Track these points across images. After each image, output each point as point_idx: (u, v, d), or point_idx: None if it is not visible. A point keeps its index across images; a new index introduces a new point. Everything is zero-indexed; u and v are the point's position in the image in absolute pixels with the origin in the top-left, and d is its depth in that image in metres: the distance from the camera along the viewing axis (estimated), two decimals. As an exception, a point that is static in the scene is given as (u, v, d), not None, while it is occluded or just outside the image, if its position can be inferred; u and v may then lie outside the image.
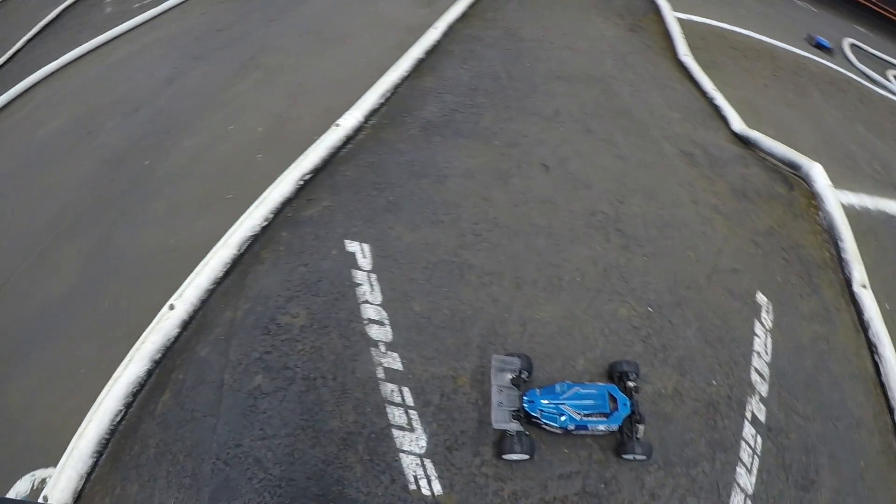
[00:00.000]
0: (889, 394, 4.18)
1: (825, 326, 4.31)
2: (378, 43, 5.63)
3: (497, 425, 2.93)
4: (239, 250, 3.46)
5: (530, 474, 2.92)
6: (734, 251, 4.42)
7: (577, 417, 2.99)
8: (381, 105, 4.71)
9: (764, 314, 4.11)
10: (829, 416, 3.80)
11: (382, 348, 2.98)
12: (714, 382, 3.58)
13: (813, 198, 5.06)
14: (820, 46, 10.81)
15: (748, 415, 3.53)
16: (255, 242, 3.53)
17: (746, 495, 3.22)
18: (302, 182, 3.88)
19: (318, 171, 4.02)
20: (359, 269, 3.44)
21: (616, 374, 3.29)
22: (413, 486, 2.58)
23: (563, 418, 2.98)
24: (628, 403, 3.12)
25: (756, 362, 3.81)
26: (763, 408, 3.60)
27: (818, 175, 5.08)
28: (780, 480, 3.36)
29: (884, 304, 4.64)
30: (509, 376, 3.06)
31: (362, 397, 2.77)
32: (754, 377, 3.72)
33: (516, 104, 5.22)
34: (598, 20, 7.30)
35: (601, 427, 3.03)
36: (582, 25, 7.08)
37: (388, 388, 2.83)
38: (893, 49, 12.83)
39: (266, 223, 3.59)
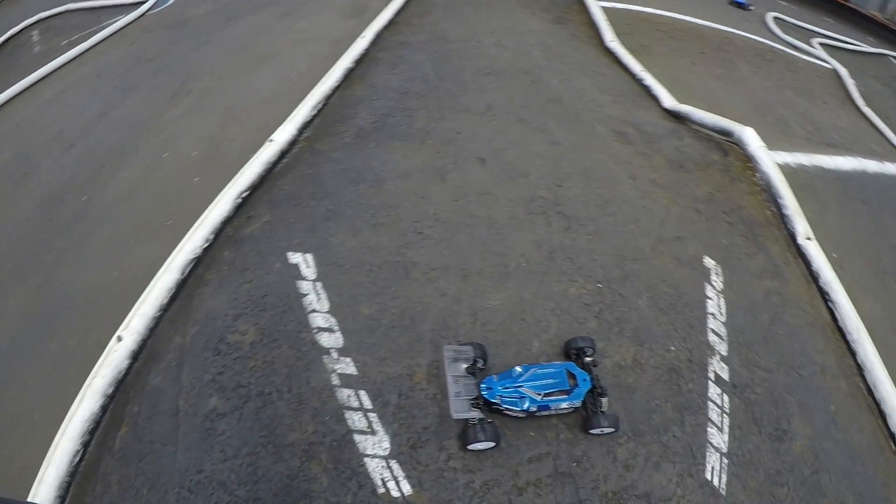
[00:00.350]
0: (847, 337, 4.18)
1: (776, 281, 4.31)
2: (307, 57, 5.59)
3: (457, 415, 2.81)
4: (182, 274, 3.36)
5: (500, 462, 2.81)
6: (676, 220, 4.40)
7: (538, 398, 2.89)
8: (314, 117, 4.68)
9: (713, 277, 4.08)
10: (792, 366, 3.76)
11: (335, 355, 2.91)
12: (672, 348, 3.52)
13: (748, 161, 5.10)
14: (737, 4, 11.16)
15: (711, 375, 3.47)
16: (199, 265, 3.43)
17: (721, 454, 3.14)
18: (240, 200, 3.80)
19: (255, 188, 3.94)
20: (303, 279, 3.35)
21: (572, 352, 3.20)
22: (382, 490, 2.51)
23: (523, 401, 2.88)
24: (588, 378, 3.03)
25: (712, 324, 3.76)
26: (725, 366, 3.54)
27: (750, 138, 5.13)
28: (754, 435, 3.30)
29: (830, 253, 4.67)
30: (464, 366, 2.96)
31: (319, 406, 2.70)
32: (712, 338, 3.67)
33: (448, 103, 5.20)
34: (524, 16, 7.37)
35: (564, 405, 2.93)
36: (509, 22, 7.14)
37: (345, 394, 2.77)
38: (816, 19, 13.38)
39: (207, 244, 3.50)
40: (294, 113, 4.48)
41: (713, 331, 3.73)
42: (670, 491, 2.92)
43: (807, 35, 11.49)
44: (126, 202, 4.31)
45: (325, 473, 2.49)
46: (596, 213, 4.26)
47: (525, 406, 2.88)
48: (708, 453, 3.12)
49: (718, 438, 3.20)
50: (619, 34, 7.28)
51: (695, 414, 3.25)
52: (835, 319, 4.28)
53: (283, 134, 4.27)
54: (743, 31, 9.57)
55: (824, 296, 4.38)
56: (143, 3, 6.95)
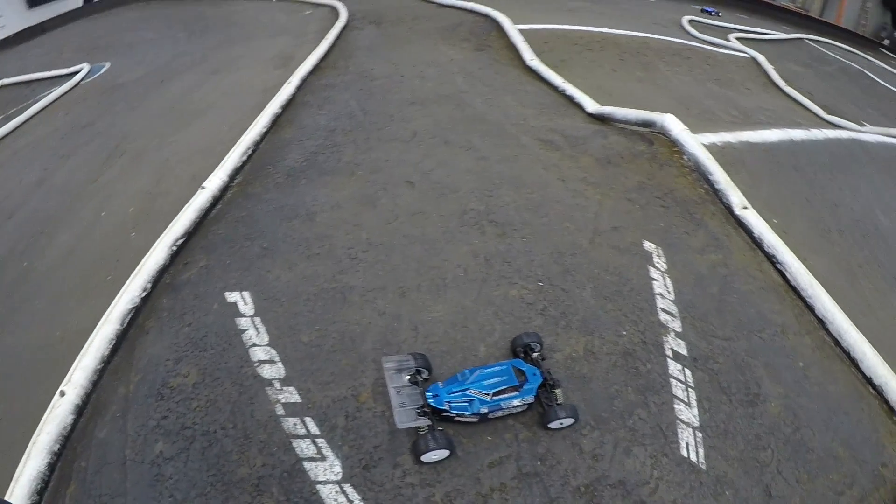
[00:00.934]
0: (802, 294, 4.08)
1: (719, 253, 4.23)
2: (237, 108, 5.63)
3: (402, 425, 2.63)
4: (122, 324, 3.22)
5: (458, 471, 2.63)
6: (610, 212, 4.33)
7: (488, 398, 2.72)
8: (245, 162, 4.65)
9: (656, 259, 3.99)
10: (752, 331, 3.64)
11: (277, 385, 2.81)
12: (624, 332, 3.37)
13: (673, 146, 5.10)
14: (707, 13, 11.60)
15: (668, 352, 3.33)
16: (138, 314, 3.30)
17: (694, 428, 2.98)
18: (175, 248, 3.70)
19: (190, 235, 3.84)
20: (242, 315, 3.24)
21: (519, 350, 3.04)
22: None
23: (473, 404, 2.71)
24: (538, 373, 2.86)
25: (661, 303, 3.64)
26: (682, 342, 3.41)
27: (672, 123, 5.15)
28: (724, 404, 3.15)
29: (771, 220, 4.62)
30: (407, 377, 2.79)
31: (266, 438, 2.57)
32: (663, 317, 3.54)
33: (374, 134, 5.21)
34: (445, 48, 7.48)
35: (516, 402, 2.75)
36: (431, 55, 7.25)
37: (291, 423, 2.70)
38: (731, 17, 13.88)
39: (145, 293, 3.39)
40: (224, 160, 4.44)
41: (663, 310, 3.60)
42: (646, 474, 2.72)
43: (723, 32, 11.86)
44: (66, 263, 4.21)
45: None
46: (529, 217, 4.17)
47: (476, 409, 2.70)
48: (679, 430, 2.95)
49: (688, 413, 3.04)
50: (539, 52, 7.40)
51: (658, 393, 3.10)
52: (786, 280, 4.19)
53: (215, 181, 4.22)
54: (660, 35, 9.83)
55: (771, 259, 4.30)
56: (77, 73, 6.90)
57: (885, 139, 7.64)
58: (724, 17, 13.63)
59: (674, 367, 3.24)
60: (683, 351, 3.36)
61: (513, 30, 7.86)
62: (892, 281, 5.24)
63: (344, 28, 8.05)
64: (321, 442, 2.58)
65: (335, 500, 2.41)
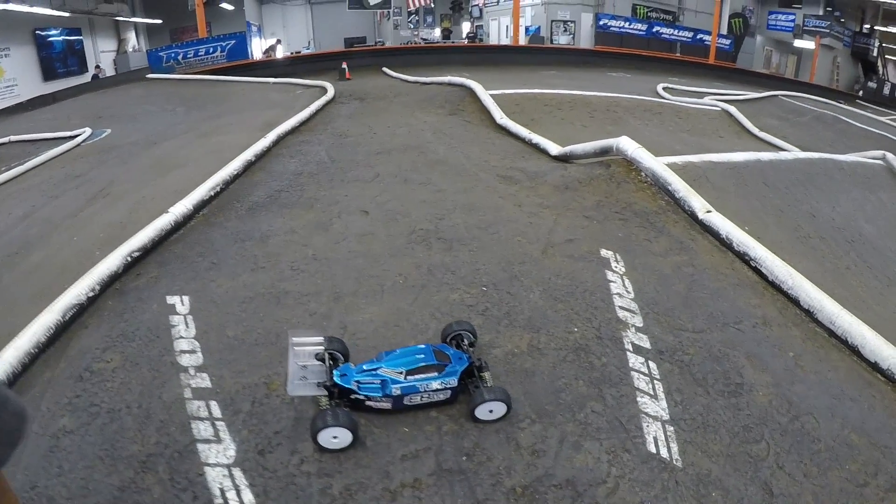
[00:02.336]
0: (783, 287, 3.54)
1: (684, 255, 3.75)
2: (218, 160, 5.51)
3: (294, 392, 2.24)
4: (63, 316, 2.96)
5: (364, 462, 2.12)
6: (566, 228, 3.93)
7: (401, 377, 2.25)
8: (212, 198, 4.46)
9: (613, 263, 3.53)
10: (727, 322, 3.10)
11: (192, 371, 2.55)
12: (576, 329, 2.87)
13: (631, 165, 4.74)
14: None
15: (628, 346, 2.79)
16: (83, 313, 3.05)
17: (663, 422, 2.39)
18: (130, 259, 3.48)
19: (148, 252, 3.63)
20: (176, 314, 2.97)
21: (450, 340, 2.57)
22: (219, 500, 1.98)
23: (385, 385, 2.26)
24: (464, 357, 2.37)
25: (619, 302, 3.15)
26: (643, 335, 2.88)
27: (626, 144, 4.83)
28: (700, 395, 2.57)
29: (743, 227, 4.14)
30: (315, 354, 2.37)
31: (167, 418, 2.30)
32: (622, 314, 3.04)
33: (338, 176, 5.02)
34: (420, 114, 7.47)
35: (436, 385, 2.28)
36: (405, 120, 7.22)
37: (195, 405, 2.37)
38: (707, 85, 13.99)
39: (93, 293, 3.15)
40: (192, 193, 4.28)
41: (622, 307, 3.10)
42: (601, 472, 2.13)
43: (699, 96, 11.82)
44: (31, 277, 4.09)
45: (159, 485, 2.02)
46: (479, 234, 3.78)
47: (388, 391, 2.25)
48: (645, 424, 2.37)
49: (654, 406, 2.46)
50: (510, 113, 7.32)
51: (616, 386, 2.54)
52: (763, 277, 3.66)
53: (179, 208, 4.04)
54: (632, 96, 9.79)
55: (744, 258, 3.80)
56: (79, 136, 6.98)
57: (861, 160, 7.25)
58: (700, 85, 13.75)
59: (635, 360, 2.70)
60: (646, 344, 2.82)
61: (484, 94, 7.88)
62: (886, 281, 4.66)
63: (329, 102, 8.13)
64: (221, 425, 2.27)
65: (220, 483, 2.03)
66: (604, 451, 2.21)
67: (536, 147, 6.18)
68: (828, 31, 19.08)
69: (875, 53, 23.03)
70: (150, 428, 2.27)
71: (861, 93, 20.47)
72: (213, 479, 2.05)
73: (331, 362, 2.37)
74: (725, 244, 3.93)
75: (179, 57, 10.89)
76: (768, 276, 3.64)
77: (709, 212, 4.15)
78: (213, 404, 2.37)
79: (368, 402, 2.26)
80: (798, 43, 19.85)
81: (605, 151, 5.10)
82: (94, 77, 13.03)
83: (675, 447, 2.28)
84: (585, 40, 16.46)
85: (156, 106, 8.18)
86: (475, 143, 6.20)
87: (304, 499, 1.97)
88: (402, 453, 2.13)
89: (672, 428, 2.37)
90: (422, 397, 2.27)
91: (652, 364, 2.69)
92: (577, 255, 3.58)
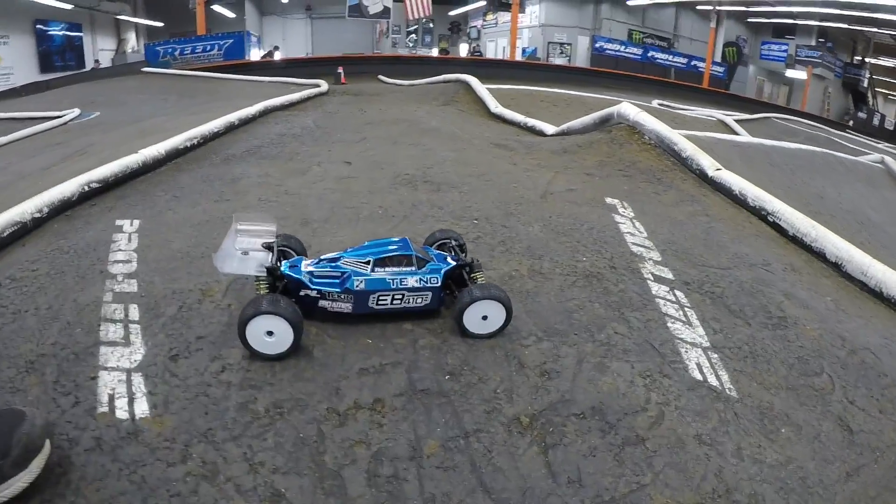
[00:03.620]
0: (806, 239, 3.06)
1: (697, 206, 3.30)
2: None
3: (224, 269, 1.76)
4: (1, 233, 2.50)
5: (307, 374, 1.60)
6: (566, 182, 3.47)
7: (366, 269, 1.75)
8: (188, 149, 3.94)
9: (620, 209, 3.07)
10: (754, 264, 2.63)
11: (120, 278, 2.08)
12: (584, 259, 2.37)
13: (633, 129, 4.28)
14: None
15: (647, 276, 2.30)
16: (26, 234, 2.58)
17: (703, 348, 1.90)
18: (87, 188, 2.98)
19: (110, 187, 3.12)
20: (121, 232, 2.47)
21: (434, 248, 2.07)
22: (104, 409, 1.48)
23: (346, 278, 1.75)
24: (450, 257, 1.92)
25: (631, 239, 2.67)
26: (664, 268, 2.40)
27: (628, 109, 4.40)
28: (740, 325, 2.09)
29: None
30: (262, 243, 1.89)
31: (75, 320, 1.84)
32: (636, 249, 2.56)
33: (324, 139, 4.50)
34: (413, 106, 7.00)
35: (412, 282, 1.77)
36: (398, 107, 6.75)
37: (111, 308, 1.89)
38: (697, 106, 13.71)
39: (39, 215, 2.68)
40: (166, 141, 3.75)
41: (635, 244, 2.63)
42: (638, 398, 1.61)
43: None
44: None
45: (39, 386, 1.57)
46: (471, 180, 3.31)
47: (349, 285, 1.74)
48: (682, 349, 1.87)
49: (690, 333, 1.97)
50: (505, 105, 6.88)
51: (639, 310, 2.05)
52: (783, 232, 3.19)
53: (150, 151, 3.54)
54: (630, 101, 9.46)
55: (760, 213, 3.33)
56: (67, 115, 6.45)
57: (860, 160, 6.89)
58: (694, 106, 13.51)
59: (658, 288, 2.22)
60: (668, 275, 2.33)
61: (480, 86, 7.48)
62: (906, 256, 4.18)
63: (322, 94, 7.70)
64: (135, 328, 1.78)
65: (111, 388, 1.54)
66: (637, 374, 1.69)
67: (532, 129, 5.75)
68: (820, 61, 19.01)
69: (866, 84, 23.05)
70: (53, 329, 1.76)
71: (851, 123, 20.33)
72: (104, 383, 1.53)
73: (281, 258, 1.87)
74: (739, 200, 3.46)
75: (176, 53, 10.54)
76: (788, 230, 3.17)
77: (718, 169, 3.69)
78: (133, 307, 1.86)
79: (323, 302, 1.74)
80: (790, 73, 19.78)
81: (605, 121, 4.66)
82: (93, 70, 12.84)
83: (724, 375, 1.78)
84: (581, 63, 16.31)
85: (148, 95, 7.80)
86: (469, 123, 5.77)
87: (215, 414, 1.44)
88: (361, 367, 1.61)
89: (716, 355, 1.87)
90: (394, 298, 1.75)
91: (678, 293, 2.20)
92: (579, 202, 3.11)
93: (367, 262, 1.74)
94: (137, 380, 1.54)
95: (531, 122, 5.85)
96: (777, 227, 3.25)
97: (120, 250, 2.25)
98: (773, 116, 13.25)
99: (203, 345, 1.67)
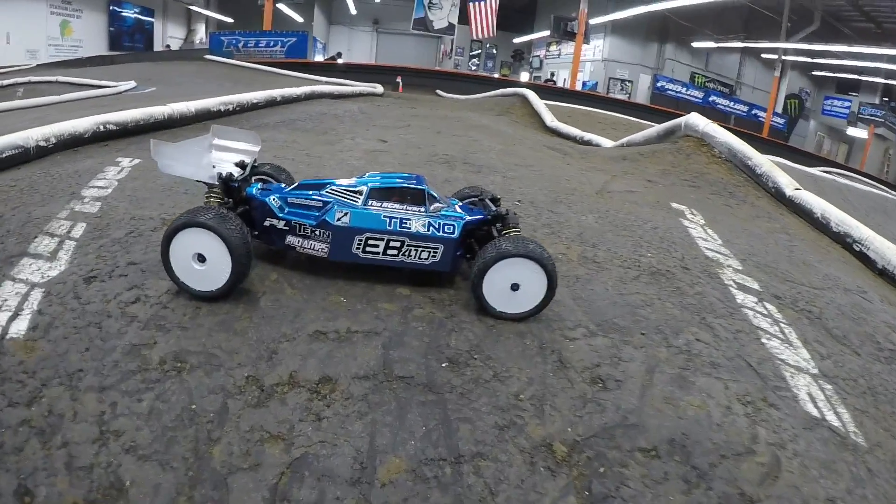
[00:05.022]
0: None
1: (775, 223, 2.80)
2: None
3: (165, 168, 1.33)
4: None
5: (238, 325, 1.19)
6: (624, 185, 3.00)
7: (356, 202, 1.35)
8: (221, 113, 3.65)
9: (688, 215, 2.59)
10: (847, 289, 2.11)
11: (87, 200, 1.79)
12: (649, 255, 1.89)
13: (701, 141, 3.77)
14: None
15: (729, 282, 1.80)
16: (27, 160, 2.30)
17: (812, 375, 1.40)
18: (102, 127, 2.72)
19: (129, 132, 2.88)
20: (115, 165, 2.17)
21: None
22: None
23: (327, 209, 1.34)
24: (477, 210, 1.51)
25: (704, 244, 2.19)
26: (747, 277, 1.90)
27: (697, 120, 3.89)
28: (848, 354, 1.58)
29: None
30: (236, 161, 1.50)
31: (16, 229, 1.54)
32: (710, 254, 2.08)
33: (365, 122, 4.13)
34: (466, 111, 6.59)
35: (417, 227, 1.33)
36: (450, 112, 6.34)
37: (56, 224, 1.59)
38: None
39: (45, 144, 2.40)
40: (199, 100, 3.49)
41: (709, 249, 2.14)
42: (741, 434, 1.12)
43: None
44: None
45: None
46: (517, 168, 2.90)
47: (329, 217, 1.33)
48: (786, 372, 1.38)
49: (791, 354, 1.48)
50: (561, 122, 6.42)
51: (724, 318, 1.56)
52: (870, 263, 2.61)
53: (179, 106, 3.27)
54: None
55: (845, 241, 2.76)
56: (124, 85, 6.34)
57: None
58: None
59: (744, 298, 1.73)
60: (753, 285, 1.83)
61: (537, 100, 7.00)
62: None
63: (377, 95, 7.39)
64: (70, 244, 1.48)
65: (3, 299, 1.22)
66: (734, 398, 1.20)
67: (588, 143, 5.26)
68: (882, 120, 17.75)
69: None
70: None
71: (913, 187, 18.91)
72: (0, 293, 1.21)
73: (258, 184, 1.48)
74: (820, 224, 2.91)
75: (240, 45, 10.52)
76: (877, 262, 2.59)
77: (798, 189, 3.15)
78: (80, 226, 1.56)
79: (292, 238, 1.32)
80: (851, 131, 18.64)
81: (670, 132, 4.15)
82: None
83: (844, 413, 1.29)
84: (641, 101, 15.76)
85: (205, 79, 7.69)
86: (521, 129, 5.34)
87: (95, 352, 1.06)
88: (318, 329, 1.17)
89: (829, 386, 1.38)
90: (389, 246, 1.30)
91: (769, 305, 1.70)
92: (640, 202, 2.64)
93: (359, 193, 1.31)
94: (36, 295, 1.21)
95: (588, 135, 5.37)
96: (863, 257, 2.67)
97: (104, 178, 1.97)
98: (833, 171, 12.33)
99: (131, 271, 1.31)
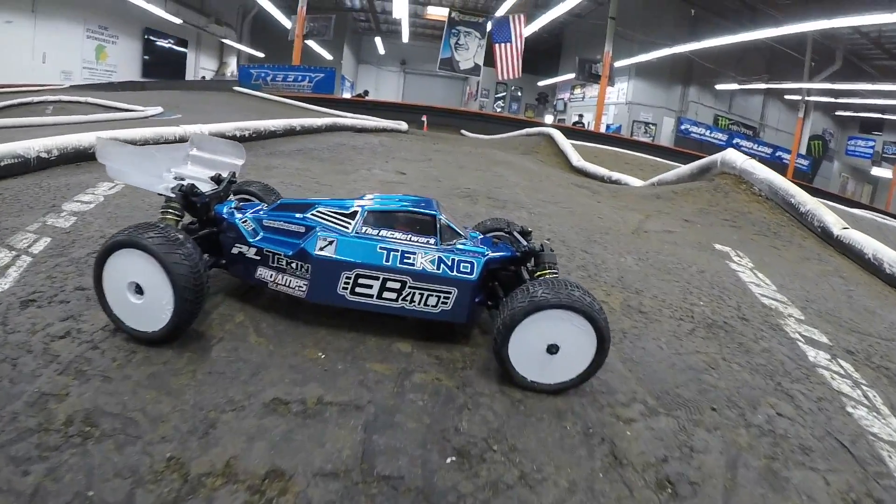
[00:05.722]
0: None
1: (827, 265, 2.51)
2: None
3: (114, 174, 1.09)
4: None
5: (173, 383, 0.91)
6: (661, 225, 2.76)
7: (347, 227, 1.08)
8: (236, 138, 3.51)
9: (734, 257, 2.33)
10: None
11: (63, 214, 1.60)
12: (701, 303, 1.62)
13: (740, 178, 3.51)
14: None
15: (795, 335, 1.52)
16: (26, 171, 2.18)
17: None
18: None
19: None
20: (110, 182, 2.02)
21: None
22: None
23: (308, 237, 1.07)
24: (503, 245, 1.23)
25: (758, 290, 1.92)
26: (812, 329, 1.61)
27: (734, 156, 3.66)
28: None
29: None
30: (211, 175, 1.23)
31: None
32: (767, 302, 1.81)
33: (384, 154, 3.94)
34: (490, 149, 6.41)
35: (423, 262, 1.04)
36: (473, 149, 6.18)
37: (23, 237, 1.42)
38: None
39: (47, 156, 2.31)
40: (218, 125, 3.45)
41: (764, 296, 1.88)
42: None
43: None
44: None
45: None
46: (546, 206, 2.68)
47: (309, 247, 1.05)
48: (882, 451, 1.09)
49: (882, 425, 1.19)
50: (587, 161, 6.22)
51: (801, 382, 1.29)
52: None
53: (193, 128, 3.19)
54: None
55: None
56: (150, 111, 6.33)
57: None
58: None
59: (816, 355, 1.44)
60: (822, 338, 1.55)
61: (563, 139, 6.82)
62: None
63: (403, 132, 7.28)
64: (25, 260, 1.29)
65: None
66: (838, 498, 0.92)
67: (616, 182, 5.03)
68: (906, 160, 17.30)
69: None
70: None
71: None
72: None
73: (234, 199, 1.26)
74: (872, 266, 2.59)
75: (268, 78, 10.64)
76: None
77: (846, 228, 2.85)
78: (44, 241, 1.38)
79: (263, 271, 1.07)
80: (875, 171, 18.12)
81: (705, 170, 3.90)
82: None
83: None
84: (665, 144, 15.53)
85: (232, 109, 7.69)
86: (548, 168, 5.15)
87: None
88: (277, 396, 0.89)
89: None
90: (385, 287, 1.03)
91: (844, 363, 1.41)
92: (680, 243, 2.38)
93: (350, 216, 1.07)
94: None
95: (616, 174, 5.12)
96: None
97: (91, 193, 1.82)
98: (860, 212, 11.83)
99: (75, 297, 1.10)
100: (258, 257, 1.06)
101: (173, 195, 1.07)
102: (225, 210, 1.12)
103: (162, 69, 12.90)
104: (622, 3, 11.91)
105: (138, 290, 0.91)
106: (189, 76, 13.84)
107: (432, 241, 1.06)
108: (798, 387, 1.22)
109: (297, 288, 1.04)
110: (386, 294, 1.03)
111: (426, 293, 1.03)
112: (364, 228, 1.04)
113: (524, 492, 0.78)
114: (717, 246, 2.45)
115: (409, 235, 1.05)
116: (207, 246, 1.11)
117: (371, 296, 1.03)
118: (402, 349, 1.04)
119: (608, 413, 0.98)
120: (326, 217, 1.07)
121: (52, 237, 1.39)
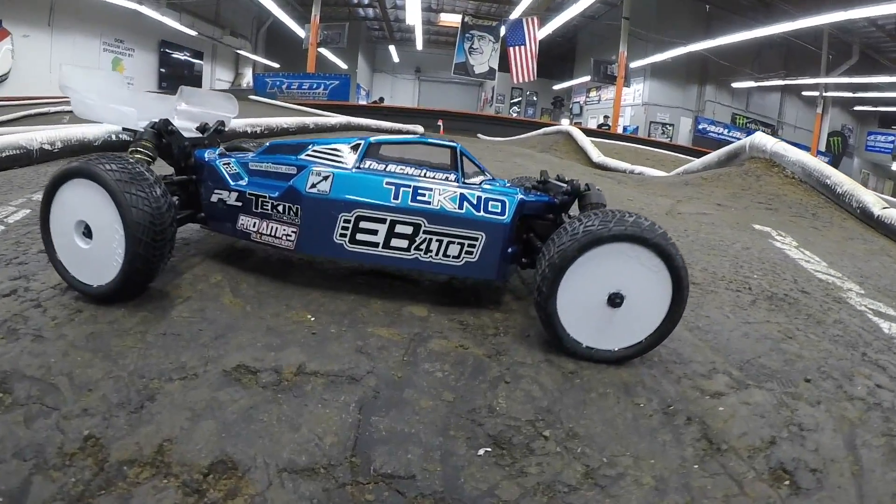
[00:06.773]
0: None
1: (873, 245, 2.37)
2: None
3: (79, 110, 0.92)
4: None
5: (115, 345, 0.73)
6: (694, 208, 2.63)
7: (348, 162, 0.91)
8: (247, 133, 3.59)
9: (776, 236, 2.22)
10: None
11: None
12: (755, 276, 1.50)
13: (771, 162, 3.35)
14: None
15: (863, 308, 1.41)
16: (28, 161, 2.15)
17: None
18: (114, 136, 2.54)
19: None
20: None
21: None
22: None
23: (300, 175, 0.89)
24: (536, 194, 1.08)
25: (810, 266, 1.78)
26: (878, 303, 1.51)
27: (764, 139, 3.50)
28: None
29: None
30: (197, 124, 1.10)
31: None
32: (822, 277, 1.66)
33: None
34: (509, 148, 6.32)
35: (442, 200, 0.85)
36: (491, 150, 6.08)
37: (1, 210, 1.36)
38: None
39: (50, 148, 2.27)
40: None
41: (818, 271, 1.72)
42: None
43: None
44: None
45: None
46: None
47: (300, 187, 0.87)
48: None
49: None
50: (607, 156, 6.08)
51: (884, 353, 1.15)
52: None
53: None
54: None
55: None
56: None
57: None
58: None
59: (891, 328, 1.32)
60: (889, 311, 1.41)
61: (582, 137, 6.68)
62: None
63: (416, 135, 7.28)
64: None
65: None
66: None
67: (641, 174, 4.88)
68: (927, 153, 16.80)
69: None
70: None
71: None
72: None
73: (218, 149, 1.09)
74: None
75: (283, 86, 10.69)
76: None
77: (886, 207, 2.69)
78: (23, 212, 1.35)
79: (246, 219, 0.90)
80: (895, 166, 17.71)
81: (733, 156, 3.76)
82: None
83: None
84: (683, 144, 15.29)
85: (248, 115, 7.71)
86: (569, 163, 5.02)
87: None
88: (242, 363, 0.72)
89: None
90: (392, 235, 0.85)
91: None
92: (717, 223, 2.26)
93: (352, 150, 0.91)
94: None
95: (639, 168, 4.95)
96: None
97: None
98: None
99: (35, 260, 0.99)
100: (239, 203, 0.88)
101: (143, 131, 0.92)
102: (207, 155, 0.95)
103: (178, 81, 13.07)
104: (635, 3, 11.74)
105: (87, 232, 0.75)
106: (205, 86, 13.99)
107: (453, 176, 0.87)
108: (885, 358, 1.09)
109: (284, 237, 0.85)
110: (395, 242, 0.82)
111: (446, 240, 0.82)
112: (367, 163, 0.87)
113: (594, 495, 0.57)
114: (757, 226, 2.32)
115: (424, 171, 0.86)
116: (186, 197, 0.94)
117: (376, 244, 0.83)
118: (417, 313, 0.85)
119: (688, 386, 0.82)
120: (323, 155, 0.91)
121: (31, 209, 1.34)
